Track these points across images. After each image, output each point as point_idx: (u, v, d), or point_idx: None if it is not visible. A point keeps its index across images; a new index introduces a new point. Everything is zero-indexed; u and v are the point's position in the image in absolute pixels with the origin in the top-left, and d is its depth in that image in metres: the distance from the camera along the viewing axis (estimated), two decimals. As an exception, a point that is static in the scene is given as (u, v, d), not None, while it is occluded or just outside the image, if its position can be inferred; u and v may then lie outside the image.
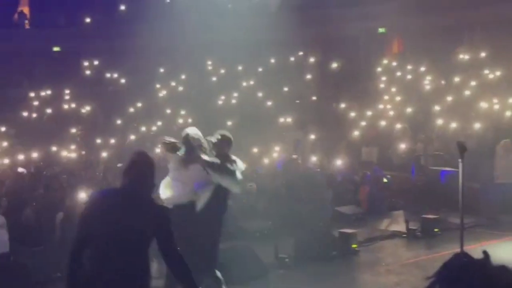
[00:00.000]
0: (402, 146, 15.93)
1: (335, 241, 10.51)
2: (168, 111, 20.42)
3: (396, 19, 24.91)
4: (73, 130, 18.95)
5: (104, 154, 15.07)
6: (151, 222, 4.51)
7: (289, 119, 18.50)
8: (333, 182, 13.97)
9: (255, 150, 15.46)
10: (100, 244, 4.44)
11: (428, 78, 20.55)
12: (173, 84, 23.40)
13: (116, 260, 4.41)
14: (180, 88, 23.04)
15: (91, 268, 4.44)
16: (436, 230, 11.59)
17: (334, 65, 23.07)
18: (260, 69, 24.01)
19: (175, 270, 4.67)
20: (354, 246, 10.60)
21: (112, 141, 16.97)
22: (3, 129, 18.71)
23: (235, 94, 21.84)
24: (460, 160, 6.60)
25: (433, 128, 17.05)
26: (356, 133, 16.73)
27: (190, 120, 19.34)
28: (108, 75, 24.68)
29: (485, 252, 2.32)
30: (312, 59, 24.30)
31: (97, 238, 4.45)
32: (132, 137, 17.24)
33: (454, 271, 2.31)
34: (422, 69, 21.71)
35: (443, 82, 20.15)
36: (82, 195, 10.86)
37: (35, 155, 15.60)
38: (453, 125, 16.28)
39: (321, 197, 12.87)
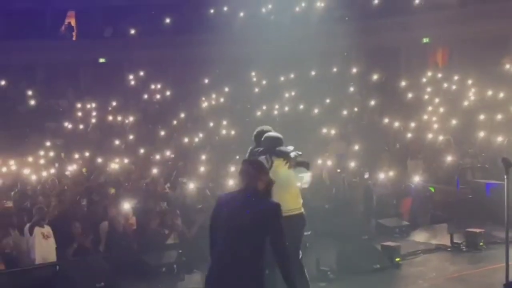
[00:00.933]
0: (448, 158, 15.79)
1: (378, 254, 10.47)
2: (211, 122, 20.60)
3: (441, 29, 24.72)
4: (117, 141, 19.28)
5: (151, 167, 15.27)
6: (263, 218, 5.14)
7: (332, 131, 18.49)
8: (371, 195, 13.91)
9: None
10: (222, 236, 5.26)
11: (473, 90, 20.28)
12: (216, 95, 23.61)
13: (233, 252, 5.15)
14: (222, 100, 23.23)
15: (215, 256, 5.33)
16: (481, 244, 11.45)
17: (375, 76, 22.95)
18: (302, 80, 24.07)
19: (279, 265, 5.24)
20: (397, 259, 10.55)
21: (157, 156, 17.20)
22: (48, 141, 19.09)
23: (277, 106, 21.94)
24: (505, 176, 6.56)
25: (475, 141, 16.85)
26: (398, 145, 16.61)
27: (232, 132, 19.53)
28: (152, 86, 25.03)
29: None
30: (354, 70, 24.25)
31: (220, 231, 5.28)
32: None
33: None
34: (468, 80, 21.43)
35: (489, 92, 19.86)
36: (126, 206, 11.08)
37: (80, 165, 15.93)
38: (499, 138, 16.06)
39: (362, 210, 12.85)
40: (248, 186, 5.31)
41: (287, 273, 5.23)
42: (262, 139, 7.29)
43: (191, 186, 13.00)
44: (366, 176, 14.70)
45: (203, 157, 16.80)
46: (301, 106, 21.73)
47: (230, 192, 5.79)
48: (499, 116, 17.98)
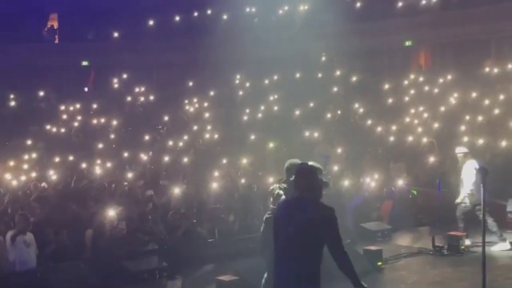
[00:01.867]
0: (431, 160, 15.86)
1: (360, 258, 10.49)
2: (195, 126, 20.55)
3: (423, 32, 24.85)
4: (101, 145, 19.17)
5: (130, 171, 15.20)
6: (320, 221, 5.44)
7: (316, 134, 18.50)
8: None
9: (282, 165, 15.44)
10: (281, 240, 5.58)
11: (455, 94, 20.37)
12: (200, 99, 23.54)
13: (291, 251, 5.46)
14: (206, 104, 23.18)
15: (276, 259, 5.60)
16: (462, 247, 11.51)
17: (358, 79, 22.99)
18: (286, 83, 24.08)
19: (339, 264, 5.48)
20: (379, 263, 10.57)
21: (145, 157, 17.13)
22: (29, 142, 18.95)
23: (261, 108, 21.93)
24: (481, 185, 6.58)
25: (458, 144, 16.91)
26: (380, 148, 16.63)
27: (216, 136, 19.49)
28: (136, 89, 24.93)
29: None
30: (338, 73, 24.30)
31: (279, 235, 5.61)
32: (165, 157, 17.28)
33: None
34: (450, 83, 21.55)
35: (473, 94, 19.95)
36: (111, 212, 11.00)
37: (62, 169, 15.81)
38: (480, 141, 16.16)
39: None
40: (307, 191, 5.62)
41: (351, 274, 5.50)
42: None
43: (176, 190, 12.95)
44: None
45: (186, 160, 16.75)
46: (285, 109, 21.74)
47: (292, 197, 6.02)
48: (480, 119, 18.08)
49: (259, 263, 9.86)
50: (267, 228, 7.33)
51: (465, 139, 16.33)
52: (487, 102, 19.29)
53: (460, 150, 12.44)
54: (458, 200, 12.27)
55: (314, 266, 5.51)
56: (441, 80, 22.19)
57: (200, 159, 17.42)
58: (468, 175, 11.98)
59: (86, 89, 27.21)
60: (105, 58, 27.09)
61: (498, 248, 11.78)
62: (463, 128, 17.79)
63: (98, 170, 15.47)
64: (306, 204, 5.57)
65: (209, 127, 20.11)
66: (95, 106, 23.06)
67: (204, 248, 11.12)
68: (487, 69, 21.91)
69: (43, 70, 26.67)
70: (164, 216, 11.76)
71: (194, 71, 26.46)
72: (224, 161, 16.56)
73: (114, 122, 21.52)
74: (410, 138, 17.75)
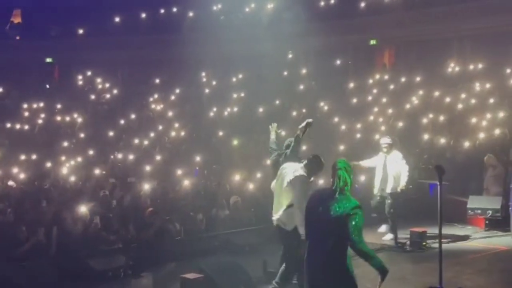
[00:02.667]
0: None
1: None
2: (161, 124, 20.50)
3: (387, 31, 25.18)
4: (66, 143, 19.02)
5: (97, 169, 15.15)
6: (344, 213, 5.83)
7: (283, 132, 18.57)
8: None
9: (249, 162, 15.58)
10: (311, 228, 6.09)
11: (419, 92, 20.68)
12: (165, 96, 23.48)
13: (320, 242, 5.92)
14: (172, 102, 23.13)
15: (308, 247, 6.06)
16: (424, 244, 11.73)
17: (323, 77, 23.17)
18: (251, 81, 24.17)
19: (361, 256, 5.97)
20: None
21: (113, 156, 17.06)
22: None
23: (227, 107, 21.98)
24: (438, 183, 6.77)
25: (420, 142, 17.23)
26: (342, 147, 16.78)
27: (182, 133, 19.49)
28: (101, 86, 24.77)
29: None
30: (303, 71, 24.46)
31: (309, 224, 6.13)
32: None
33: None
34: (414, 82, 21.87)
35: (436, 93, 20.28)
36: (83, 209, 10.98)
37: (28, 167, 15.67)
38: (442, 140, 16.47)
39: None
40: (338, 184, 6.02)
41: (375, 263, 6.01)
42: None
43: (146, 187, 12.96)
44: None
45: (156, 157, 16.73)
46: (251, 107, 21.83)
47: (322, 189, 6.62)
48: (442, 118, 18.39)
49: (224, 261, 9.98)
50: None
51: (426, 136, 16.63)
52: (449, 100, 19.62)
53: (384, 141, 12.54)
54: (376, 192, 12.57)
55: (342, 258, 5.95)
56: (404, 79, 22.49)
57: (166, 157, 17.41)
58: (400, 167, 12.22)
59: (47, 86, 26.92)
60: (70, 55, 26.88)
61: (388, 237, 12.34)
62: (425, 126, 18.09)
63: (63, 169, 15.34)
64: (337, 198, 5.96)
65: (176, 125, 20.06)
66: (59, 104, 22.85)
67: (170, 246, 11.16)
68: (449, 69, 22.29)
69: (5, 67, 26.32)
70: (136, 213, 11.75)
71: (160, 68, 26.39)
72: (191, 159, 16.58)
73: (79, 120, 21.36)
74: (375, 136, 17.95)
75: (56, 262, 9.93)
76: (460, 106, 19.07)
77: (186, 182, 13.57)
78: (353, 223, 5.85)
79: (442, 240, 11.73)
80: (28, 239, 10.40)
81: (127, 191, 13.06)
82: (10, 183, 13.86)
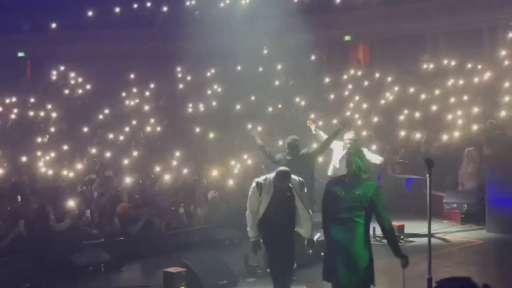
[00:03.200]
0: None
1: (306, 248, 10.70)
2: (136, 119, 20.41)
3: (362, 27, 25.39)
4: (39, 138, 18.86)
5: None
6: (368, 196, 6.29)
7: (259, 128, 18.66)
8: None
9: (225, 157, 15.63)
10: (330, 214, 6.44)
11: (394, 88, 20.91)
12: (140, 91, 23.37)
13: (342, 227, 6.33)
14: (147, 96, 23.04)
15: (329, 232, 6.48)
16: (401, 237, 11.88)
17: (299, 73, 23.25)
18: (227, 76, 24.21)
19: (390, 235, 6.66)
20: (322, 253, 10.76)
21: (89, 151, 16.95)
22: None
23: (203, 102, 21.97)
24: (428, 175, 6.86)
25: (397, 137, 17.43)
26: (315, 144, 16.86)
27: (158, 129, 19.45)
28: (74, 81, 24.56)
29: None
30: (279, 67, 24.53)
31: (328, 210, 6.50)
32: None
33: None
34: (388, 78, 22.09)
35: (410, 89, 20.52)
36: (71, 203, 10.98)
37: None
38: (418, 135, 16.68)
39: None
40: (355, 171, 6.41)
41: (393, 242, 6.64)
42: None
43: (127, 180, 12.93)
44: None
45: (133, 153, 16.68)
46: (227, 102, 21.87)
47: (338, 178, 6.92)
48: (418, 114, 18.61)
49: (206, 255, 10.01)
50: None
51: (402, 133, 16.81)
52: (423, 96, 19.86)
53: (348, 137, 12.51)
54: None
55: (368, 244, 6.54)
56: (378, 75, 22.70)
57: (142, 152, 17.36)
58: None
59: (20, 81, 26.64)
60: (42, 49, 26.60)
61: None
62: (401, 121, 18.31)
63: (40, 164, 15.23)
64: (356, 183, 6.39)
65: (152, 120, 19.99)
66: (32, 98, 22.62)
67: (152, 241, 11.18)
68: (424, 65, 22.55)
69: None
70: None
71: (134, 63, 26.25)
72: (168, 154, 16.57)
73: (53, 115, 21.18)
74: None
75: (37, 257, 9.87)
76: (434, 102, 19.31)
77: (167, 177, 13.58)
78: (381, 203, 6.39)
79: (419, 233, 12.10)
80: (6, 234, 10.34)
81: (107, 186, 13.02)
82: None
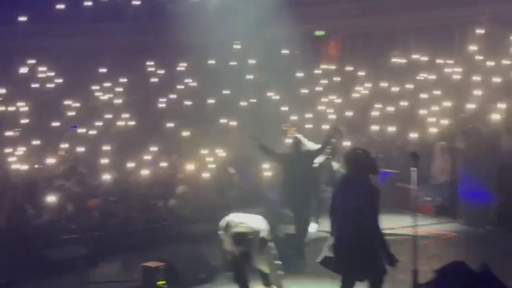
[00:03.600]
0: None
1: (282, 242, 10.76)
2: (109, 114, 20.27)
3: (334, 22, 25.50)
4: (8, 133, 18.63)
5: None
6: (363, 196, 6.71)
7: (233, 122, 18.71)
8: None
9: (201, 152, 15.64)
10: (337, 211, 6.96)
11: (365, 84, 21.09)
12: (112, 86, 23.20)
13: (347, 224, 6.76)
14: (120, 90, 22.88)
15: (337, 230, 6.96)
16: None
17: (272, 67, 23.27)
18: (199, 70, 24.16)
19: (379, 234, 6.86)
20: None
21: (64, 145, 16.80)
22: None
23: (175, 96, 21.91)
24: (414, 169, 7.04)
25: (370, 131, 17.60)
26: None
27: (132, 123, 19.35)
28: (43, 75, 24.26)
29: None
30: (252, 61, 24.52)
31: (336, 208, 7.02)
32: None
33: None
34: (360, 73, 22.27)
35: (382, 84, 20.71)
36: (52, 198, 10.95)
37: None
38: (392, 129, 16.87)
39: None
40: (358, 171, 6.89)
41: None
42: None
43: (107, 176, 12.88)
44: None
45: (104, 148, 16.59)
46: (199, 96, 21.84)
47: (345, 175, 7.30)
48: (391, 109, 18.82)
49: (185, 249, 10.04)
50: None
51: (376, 127, 16.97)
52: (396, 91, 20.07)
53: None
54: None
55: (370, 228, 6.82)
56: (351, 69, 22.86)
57: (115, 147, 17.27)
58: None
59: None
60: (10, 42, 26.21)
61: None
62: (374, 116, 18.50)
63: (13, 159, 15.07)
64: (352, 182, 6.92)
65: (124, 115, 19.85)
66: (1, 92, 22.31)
67: (130, 236, 11.16)
68: (394, 60, 22.76)
69: None
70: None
71: (104, 57, 26.02)
72: (141, 149, 16.53)
73: (22, 110, 20.93)
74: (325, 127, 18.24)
75: (14, 252, 9.80)
76: (406, 97, 19.53)
77: (145, 172, 13.59)
78: (375, 202, 6.79)
79: (392, 227, 12.22)
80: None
81: (83, 180, 12.95)
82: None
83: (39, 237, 10.31)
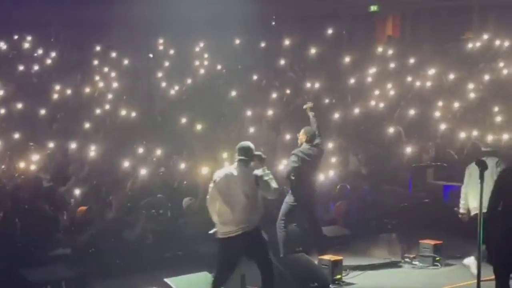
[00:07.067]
0: (398, 154, 16.39)
1: (315, 270, 10.78)
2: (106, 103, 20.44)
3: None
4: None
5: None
6: None
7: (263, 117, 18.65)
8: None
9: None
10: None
11: (429, 72, 20.92)
12: (110, 69, 23.37)
13: None
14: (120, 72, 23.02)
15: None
16: (437, 259, 11.94)
17: (312, 51, 23.22)
18: (222, 51, 24.20)
19: None
20: (338, 276, 10.89)
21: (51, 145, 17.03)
22: None
23: (189, 82, 21.96)
24: (479, 180, 6.97)
25: (435, 134, 17.45)
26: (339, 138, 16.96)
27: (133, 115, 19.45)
28: (31, 54, 24.58)
29: None
30: (286, 42, 24.51)
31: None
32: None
33: None
34: (423, 59, 22.11)
35: (450, 74, 20.52)
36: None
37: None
38: (462, 134, 16.72)
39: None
40: None
41: None
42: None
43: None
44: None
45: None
46: (219, 84, 21.91)
47: None
48: (457, 105, 18.67)
49: (192, 273, 10.07)
50: None
51: (442, 127, 16.83)
52: (467, 84, 19.90)
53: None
54: None
55: None
56: (411, 56, 22.70)
57: (111, 144, 17.41)
58: None
59: None
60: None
61: None
62: (437, 115, 18.37)
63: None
64: None
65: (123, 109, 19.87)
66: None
67: (125, 254, 11.29)
68: (469, 44, 22.57)
69: None
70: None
71: (103, 32, 26.28)
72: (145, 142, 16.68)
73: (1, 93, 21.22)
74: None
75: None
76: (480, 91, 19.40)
77: (143, 173, 13.73)
78: None
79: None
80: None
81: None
82: None
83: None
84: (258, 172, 9.31)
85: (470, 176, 11.33)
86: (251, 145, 9.59)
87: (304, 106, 12.56)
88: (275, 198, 9.96)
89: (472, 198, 11.25)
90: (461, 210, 11.69)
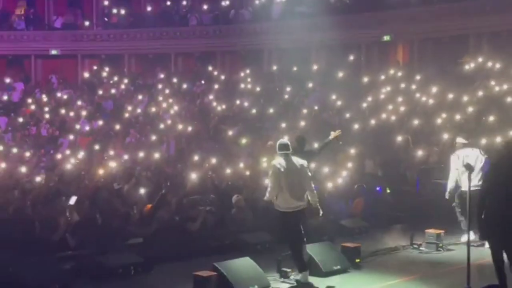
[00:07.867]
0: (406, 158, 16.20)
1: (338, 255, 10.72)
2: (168, 120, 20.57)
3: (403, 26, 25.11)
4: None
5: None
6: None
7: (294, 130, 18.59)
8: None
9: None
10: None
11: (433, 90, 20.69)
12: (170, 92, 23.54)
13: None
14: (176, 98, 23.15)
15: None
16: (440, 245, 11.78)
17: (337, 73, 23.15)
18: (260, 76, 24.25)
19: None
20: (357, 260, 10.81)
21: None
22: None
23: (236, 102, 22.03)
24: (468, 180, 6.83)
25: (439, 141, 17.22)
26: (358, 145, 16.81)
27: (189, 129, 19.44)
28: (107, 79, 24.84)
29: None
30: (315, 67, 24.50)
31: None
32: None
33: None
34: (428, 79, 21.88)
35: (451, 91, 20.27)
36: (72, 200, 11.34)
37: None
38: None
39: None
40: None
41: None
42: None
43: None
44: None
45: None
46: (260, 103, 21.95)
47: None
48: (458, 117, 18.40)
49: (237, 259, 10.05)
50: None
51: (445, 136, 16.62)
52: (465, 99, 19.61)
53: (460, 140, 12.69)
54: None
55: None
56: (418, 77, 22.51)
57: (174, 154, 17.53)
58: None
59: None
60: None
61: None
62: (439, 125, 18.13)
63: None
64: None
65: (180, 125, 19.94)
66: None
67: (182, 243, 11.30)
68: (466, 66, 22.29)
69: None
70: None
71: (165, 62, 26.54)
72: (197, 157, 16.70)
73: (83, 113, 21.55)
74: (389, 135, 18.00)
75: (64, 258, 10.08)
76: (476, 105, 19.07)
77: (193, 176, 13.77)
78: None
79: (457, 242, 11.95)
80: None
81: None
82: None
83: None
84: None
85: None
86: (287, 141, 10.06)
87: (333, 134, 11.94)
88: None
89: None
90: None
